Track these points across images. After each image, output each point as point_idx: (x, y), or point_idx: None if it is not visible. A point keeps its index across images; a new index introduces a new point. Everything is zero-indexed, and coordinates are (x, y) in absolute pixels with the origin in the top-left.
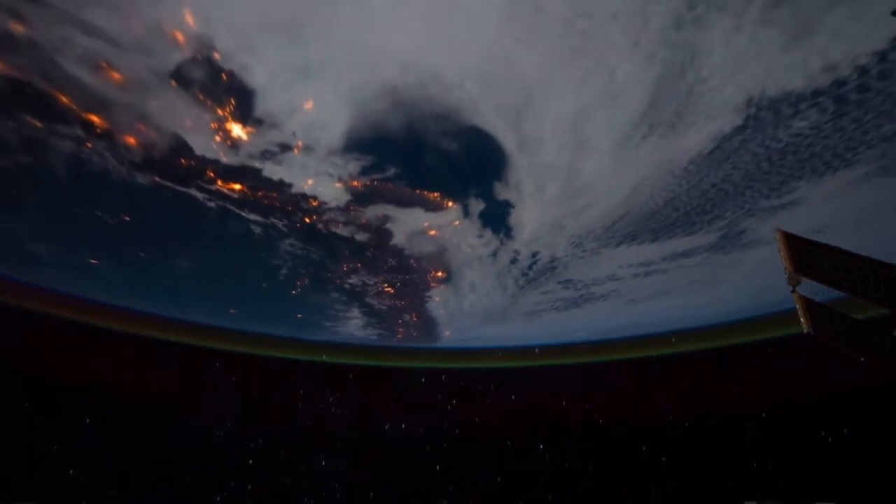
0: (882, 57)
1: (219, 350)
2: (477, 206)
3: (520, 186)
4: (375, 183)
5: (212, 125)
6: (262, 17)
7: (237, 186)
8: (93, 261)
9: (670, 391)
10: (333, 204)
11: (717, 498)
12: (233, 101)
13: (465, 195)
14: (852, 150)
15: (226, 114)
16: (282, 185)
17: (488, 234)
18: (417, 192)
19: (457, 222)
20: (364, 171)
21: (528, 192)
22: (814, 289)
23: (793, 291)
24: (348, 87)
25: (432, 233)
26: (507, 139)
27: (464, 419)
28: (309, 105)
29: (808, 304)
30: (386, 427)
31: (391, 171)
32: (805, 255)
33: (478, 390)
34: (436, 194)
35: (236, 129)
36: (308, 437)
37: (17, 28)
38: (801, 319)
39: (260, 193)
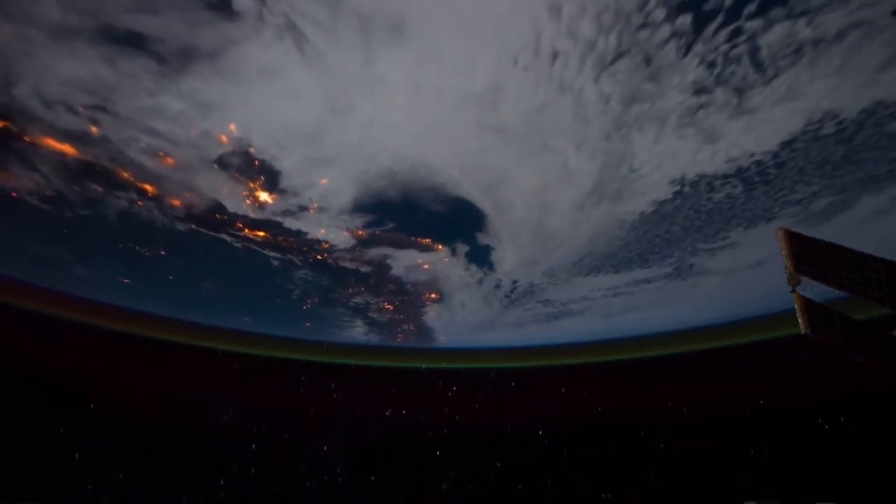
0: (775, 154)
1: (227, 351)
2: (462, 248)
3: (498, 235)
4: (377, 232)
5: (244, 193)
6: (290, 127)
7: (261, 233)
8: (125, 280)
9: (670, 391)
10: (342, 246)
11: (718, 498)
12: (262, 178)
13: (452, 241)
14: (768, 211)
15: (256, 186)
16: (299, 233)
17: (473, 268)
18: (412, 238)
19: (446, 259)
20: (367, 225)
21: (505, 239)
22: (814, 291)
23: (792, 291)
24: (355, 171)
25: (426, 266)
26: (485, 204)
27: (464, 406)
28: (324, 181)
29: (806, 304)
30: (387, 413)
31: (390, 225)
32: (806, 254)
33: (478, 381)
34: (427, 240)
35: (263, 196)
36: (310, 424)
37: (94, 130)
38: (800, 320)
39: (280, 238)
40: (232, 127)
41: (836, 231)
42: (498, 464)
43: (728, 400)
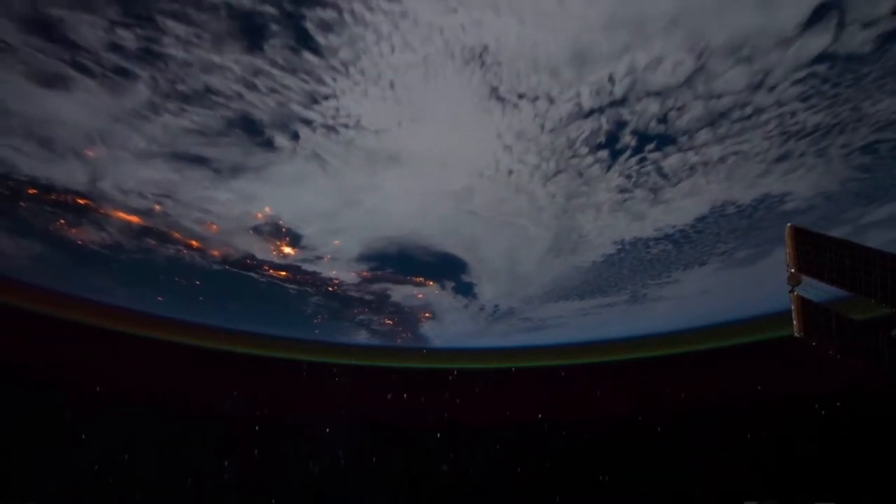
0: (693, 225)
1: (237, 353)
2: (450, 284)
3: (478, 276)
4: (378, 273)
5: (271, 248)
6: (311, 210)
7: (283, 273)
8: (159, 298)
9: (669, 390)
10: (349, 282)
11: (718, 498)
12: (288, 239)
13: (440, 279)
14: (699, 259)
15: (282, 244)
16: (314, 273)
17: (460, 297)
18: (407, 277)
19: (436, 291)
20: (371, 269)
21: (485, 279)
22: (813, 293)
23: (791, 291)
24: (361, 236)
25: (419, 296)
26: (466, 256)
27: (465, 389)
28: (336, 242)
29: (803, 304)
30: (388, 397)
31: (389, 270)
32: (811, 252)
33: (477, 374)
34: (420, 278)
35: (287, 250)
36: (314, 407)
37: (157, 208)
38: (794, 322)
39: (298, 277)
40: (267, 209)
41: (758, 271)
42: (497, 446)
43: (727, 400)
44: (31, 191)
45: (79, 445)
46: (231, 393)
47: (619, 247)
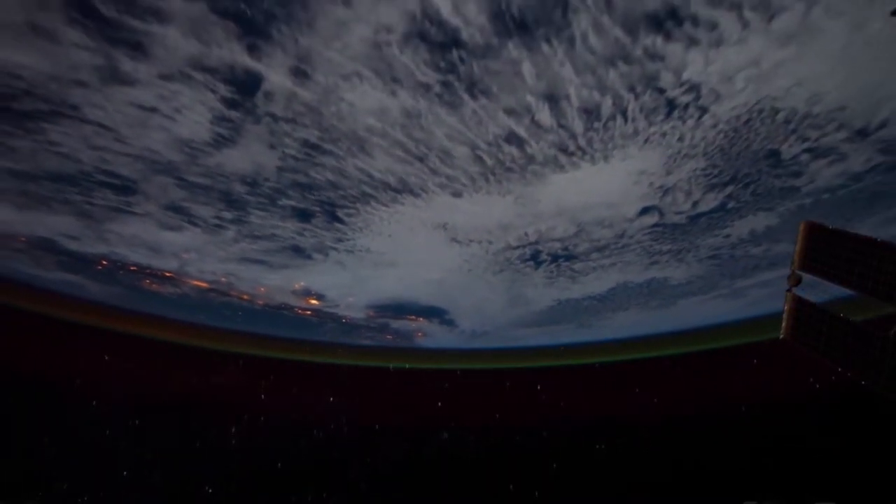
0: (607, 293)
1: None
2: (436, 320)
3: (457, 316)
4: (381, 313)
5: (302, 300)
6: (334, 284)
7: (309, 313)
8: (201, 316)
9: (669, 391)
10: (358, 317)
11: (718, 498)
12: (314, 296)
13: (428, 317)
14: (622, 307)
15: (310, 299)
16: (333, 313)
17: (444, 326)
18: (403, 316)
19: (426, 323)
20: (375, 311)
21: (463, 317)
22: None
23: (788, 290)
24: (367, 297)
25: (413, 325)
26: (446, 306)
27: (458, 382)
28: (351, 299)
29: (798, 305)
30: (390, 368)
31: (389, 312)
32: (824, 249)
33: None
34: (413, 316)
35: (314, 301)
36: (318, 379)
37: (224, 280)
38: (783, 323)
39: (320, 315)
40: (302, 282)
41: (675, 310)
42: (497, 415)
43: (726, 400)
44: (132, 268)
45: (82, 444)
46: (233, 391)
47: (558, 302)
